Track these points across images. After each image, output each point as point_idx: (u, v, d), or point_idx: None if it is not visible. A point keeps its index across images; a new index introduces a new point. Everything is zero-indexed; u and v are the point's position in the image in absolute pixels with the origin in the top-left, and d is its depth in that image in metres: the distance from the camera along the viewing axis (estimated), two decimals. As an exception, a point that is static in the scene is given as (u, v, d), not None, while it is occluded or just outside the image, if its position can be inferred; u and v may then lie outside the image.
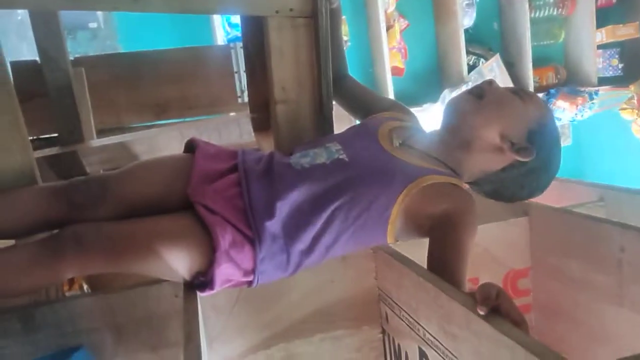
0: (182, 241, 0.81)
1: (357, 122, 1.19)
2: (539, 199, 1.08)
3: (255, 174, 0.89)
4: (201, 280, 0.83)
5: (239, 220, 0.83)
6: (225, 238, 0.81)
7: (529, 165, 0.93)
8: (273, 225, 0.83)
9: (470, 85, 2.86)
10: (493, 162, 0.95)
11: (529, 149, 0.92)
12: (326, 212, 0.84)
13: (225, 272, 0.82)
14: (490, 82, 0.98)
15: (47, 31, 1.45)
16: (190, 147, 0.97)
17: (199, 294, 0.83)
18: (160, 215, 0.86)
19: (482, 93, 0.96)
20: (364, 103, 1.17)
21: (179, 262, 0.81)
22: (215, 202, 0.84)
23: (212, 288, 0.82)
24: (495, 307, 0.64)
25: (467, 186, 0.98)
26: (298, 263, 0.86)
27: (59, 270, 0.79)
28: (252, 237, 0.82)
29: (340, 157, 0.91)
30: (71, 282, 1.38)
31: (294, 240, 0.84)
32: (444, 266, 0.81)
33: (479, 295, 0.65)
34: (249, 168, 0.90)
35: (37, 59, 1.51)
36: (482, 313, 0.63)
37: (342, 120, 1.21)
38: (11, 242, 0.87)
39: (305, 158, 0.91)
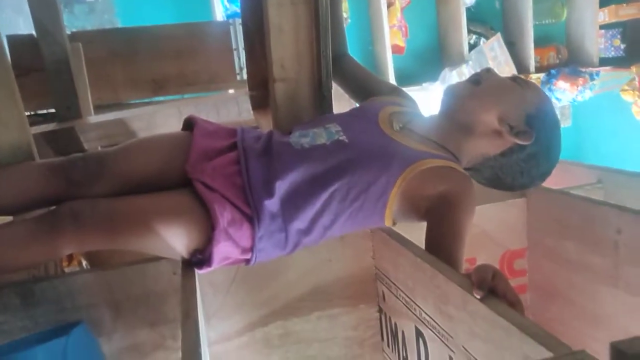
0: (180, 218, 0.81)
1: (356, 103, 1.19)
2: (537, 181, 1.08)
3: (254, 152, 0.89)
4: (199, 258, 0.83)
5: (237, 198, 0.83)
6: (224, 215, 0.81)
7: (528, 149, 0.93)
8: (272, 204, 0.83)
9: (470, 64, 2.84)
10: (492, 145, 0.95)
11: (527, 132, 0.92)
12: (325, 193, 0.84)
13: (224, 250, 0.82)
14: (488, 70, 0.99)
15: (43, 5, 1.43)
16: (189, 124, 0.96)
17: (197, 271, 0.84)
18: (158, 192, 0.86)
19: (480, 79, 0.97)
20: (363, 84, 1.17)
21: (176, 240, 0.81)
22: (214, 179, 0.84)
23: (209, 265, 0.82)
24: (492, 288, 0.65)
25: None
26: (296, 242, 0.86)
27: (57, 247, 0.80)
28: (251, 215, 0.82)
29: (340, 138, 0.90)
30: (70, 258, 1.39)
31: (292, 220, 0.84)
32: (441, 247, 0.82)
33: (474, 277, 0.66)
34: (248, 146, 0.89)
35: (34, 33, 1.49)
36: (478, 297, 0.64)
37: (341, 101, 1.21)
38: (9, 218, 0.87)
39: (305, 138, 0.91)
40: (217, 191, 0.82)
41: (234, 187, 0.84)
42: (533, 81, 2.33)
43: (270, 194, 0.83)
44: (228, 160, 0.87)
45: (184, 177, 0.86)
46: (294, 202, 0.84)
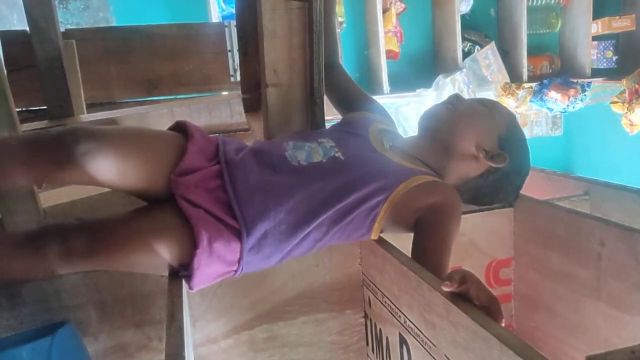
0: (164, 240, 0.80)
1: (338, 113, 1.21)
2: (524, 191, 1.10)
3: (237, 164, 0.87)
4: (184, 274, 0.81)
5: (222, 212, 0.81)
6: (209, 232, 0.79)
7: (502, 169, 0.99)
8: (266, 220, 0.82)
9: (464, 72, 2.86)
10: (470, 168, 1.00)
11: (501, 155, 0.98)
12: (326, 213, 0.85)
13: (207, 268, 0.80)
14: (457, 97, 1.05)
15: (36, 1, 1.43)
16: (181, 129, 0.92)
17: (188, 290, 0.83)
18: (142, 204, 0.86)
19: (452, 107, 1.03)
20: (349, 96, 1.19)
21: (161, 260, 0.80)
22: (197, 195, 0.82)
23: (193, 282, 0.81)
24: (465, 291, 0.66)
25: None
26: (284, 255, 0.87)
27: (46, 269, 0.80)
28: (239, 228, 0.81)
29: (336, 155, 0.91)
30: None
31: (287, 235, 0.84)
32: (428, 255, 0.83)
33: (445, 278, 0.68)
34: (231, 159, 0.88)
35: (27, 29, 1.48)
36: (445, 289, 0.66)
37: (332, 106, 1.21)
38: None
39: (301, 152, 0.91)
40: (200, 207, 0.80)
41: (217, 201, 0.82)
42: (498, 101, 2.35)
43: (264, 208, 0.82)
44: (210, 174, 0.85)
45: (169, 188, 0.83)
46: (291, 220, 0.84)
